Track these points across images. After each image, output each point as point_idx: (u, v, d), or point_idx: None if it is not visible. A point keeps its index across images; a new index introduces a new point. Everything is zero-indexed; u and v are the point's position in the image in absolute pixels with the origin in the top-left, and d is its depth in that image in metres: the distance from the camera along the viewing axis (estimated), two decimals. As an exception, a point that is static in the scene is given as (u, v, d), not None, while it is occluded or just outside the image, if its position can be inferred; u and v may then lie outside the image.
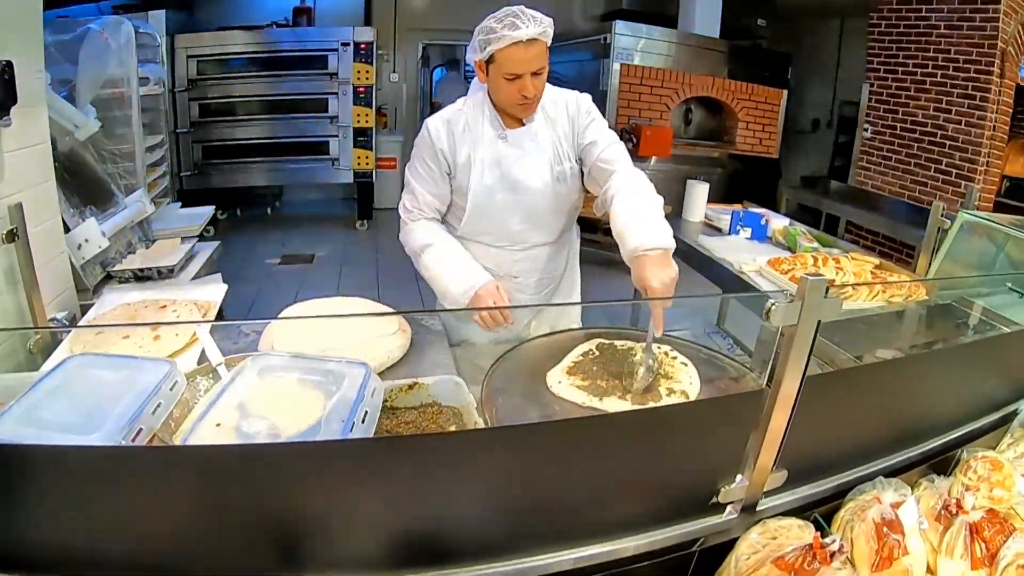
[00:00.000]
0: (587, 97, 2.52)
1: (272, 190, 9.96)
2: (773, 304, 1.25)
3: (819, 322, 1.31)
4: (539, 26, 2.18)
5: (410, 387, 1.84)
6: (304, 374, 1.61)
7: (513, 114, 2.40)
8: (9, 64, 2.28)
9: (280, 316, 2.40)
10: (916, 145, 7.44)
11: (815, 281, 1.26)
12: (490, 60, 2.24)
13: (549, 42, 2.26)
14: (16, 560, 1.17)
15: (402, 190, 2.60)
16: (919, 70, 7.33)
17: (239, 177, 8.91)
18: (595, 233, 7.60)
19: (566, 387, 1.96)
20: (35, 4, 2.65)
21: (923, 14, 7.18)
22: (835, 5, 8.93)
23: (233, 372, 1.63)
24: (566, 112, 2.47)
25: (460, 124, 2.43)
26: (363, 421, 1.45)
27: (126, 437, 1.37)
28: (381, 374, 1.96)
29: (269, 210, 9.89)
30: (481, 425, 1.70)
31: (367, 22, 9.71)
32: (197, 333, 1.99)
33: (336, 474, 1.17)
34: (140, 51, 4.99)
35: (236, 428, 1.40)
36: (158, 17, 7.51)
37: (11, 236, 2.32)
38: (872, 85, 7.91)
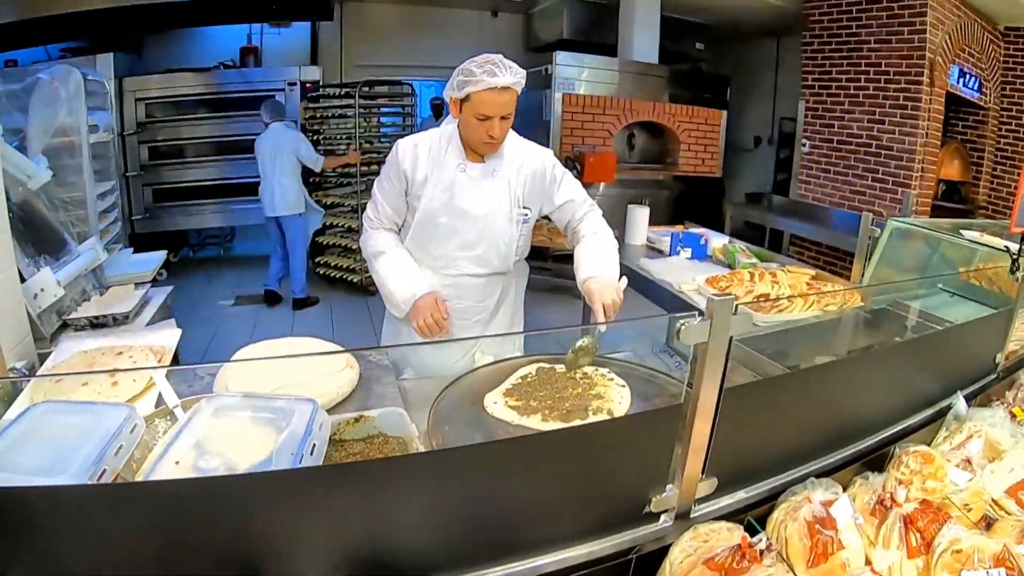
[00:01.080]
0: (551, 154, 2.75)
1: (224, 231, 9.90)
2: (683, 324, 1.34)
3: (731, 337, 1.41)
4: (514, 76, 2.41)
5: (356, 420, 1.90)
6: (256, 412, 1.65)
7: (476, 150, 2.61)
8: (-43, 121, 2.32)
9: (232, 359, 2.46)
10: (853, 156, 7.68)
11: (721, 301, 1.36)
12: (465, 99, 2.45)
13: (519, 91, 2.48)
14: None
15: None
16: (852, 84, 7.58)
17: (191, 219, 8.88)
18: (545, 261, 7.75)
19: (500, 407, 2.05)
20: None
21: (853, 30, 7.44)
22: (768, 26, 9.16)
23: (189, 413, 1.67)
24: (531, 166, 2.69)
25: (426, 148, 2.64)
26: (311, 453, 1.51)
27: (92, 477, 1.41)
28: (332, 409, 2.01)
29: (221, 251, 9.83)
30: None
31: (313, 61, 9.74)
32: (153, 378, 2.03)
33: (288, 501, 1.23)
34: (89, 98, 4.99)
35: (194, 465, 1.45)
36: (106, 60, 7.54)
37: (-31, 288, 2.35)
38: (808, 101, 8.15)
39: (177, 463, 1.46)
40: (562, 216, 2.81)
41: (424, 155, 2.62)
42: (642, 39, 8.78)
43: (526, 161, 2.68)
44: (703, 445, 1.51)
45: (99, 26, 7.39)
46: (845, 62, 7.63)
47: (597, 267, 2.59)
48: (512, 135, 2.69)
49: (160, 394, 2.06)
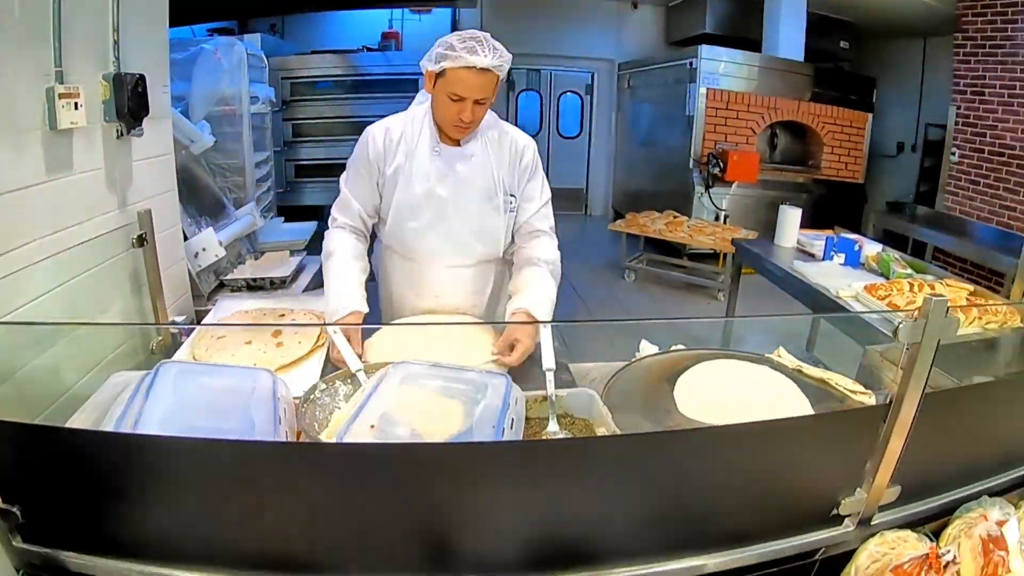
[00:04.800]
0: (534, 146, 2.56)
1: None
2: (901, 323, 1.31)
3: (938, 342, 1.36)
4: (497, 59, 2.20)
5: (544, 398, 1.84)
6: (446, 382, 1.67)
7: (447, 133, 2.42)
8: (142, 77, 2.44)
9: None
10: (1005, 169, 7.22)
11: (938, 301, 1.32)
12: (440, 74, 2.24)
13: (503, 76, 2.28)
14: (159, 551, 1.29)
15: None
16: (1007, 91, 7.11)
17: (328, 195, 9.05)
18: (680, 258, 7.67)
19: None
20: (162, 23, 2.84)
21: (1008, 33, 6.99)
22: (918, 26, 8.76)
23: (375, 378, 1.72)
24: (511, 150, 2.51)
25: (397, 133, 2.45)
26: (511, 427, 1.51)
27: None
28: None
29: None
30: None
31: (453, 47, 9.87)
32: (334, 340, 2.04)
33: (489, 475, 1.26)
34: (250, 71, 5.20)
35: (385, 431, 1.48)
36: (254, 40, 7.79)
37: (140, 241, 2.49)
38: (959, 108, 7.69)
39: (372, 427, 1.48)
40: (520, 214, 2.59)
41: (395, 141, 2.44)
42: (788, 35, 8.51)
43: (507, 146, 2.50)
44: (898, 450, 1.47)
45: (248, 6, 7.65)
46: (1000, 67, 7.15)
47: (537, 306, 2.37)
48: (493, 117, 2.50)
49: (324, 359, 2.17)
